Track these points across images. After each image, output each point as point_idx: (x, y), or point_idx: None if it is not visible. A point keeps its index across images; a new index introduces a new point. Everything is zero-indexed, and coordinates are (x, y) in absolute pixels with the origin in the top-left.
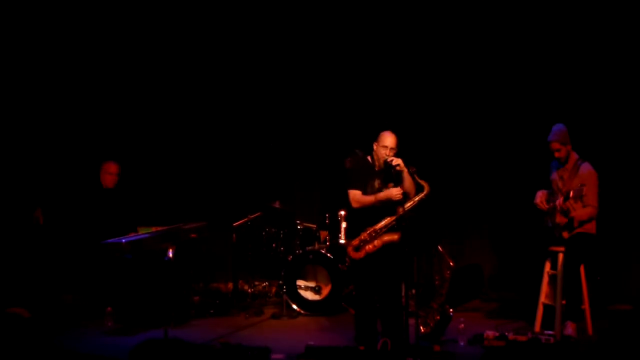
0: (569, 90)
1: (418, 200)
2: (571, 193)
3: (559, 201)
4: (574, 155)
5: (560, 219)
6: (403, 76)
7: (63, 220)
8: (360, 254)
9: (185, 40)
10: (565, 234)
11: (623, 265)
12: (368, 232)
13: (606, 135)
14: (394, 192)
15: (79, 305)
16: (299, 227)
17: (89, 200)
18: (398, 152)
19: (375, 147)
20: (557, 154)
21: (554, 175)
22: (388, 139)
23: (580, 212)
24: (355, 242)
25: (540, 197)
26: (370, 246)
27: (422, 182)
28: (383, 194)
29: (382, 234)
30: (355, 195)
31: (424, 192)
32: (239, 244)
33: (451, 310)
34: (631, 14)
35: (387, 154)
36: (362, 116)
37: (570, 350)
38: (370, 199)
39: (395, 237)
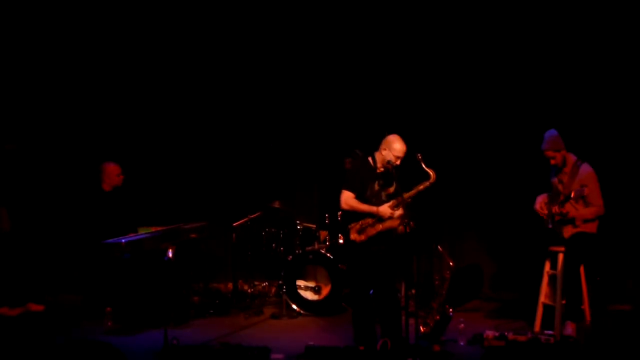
0: (567, 91)
1: (422, 189)
2: (572, 194)
3: (555, 208)
4: (572, 158)
5: (561, 217)
6: (403, 78)
7: (63, 222)
8: (362, 237)
9: (185, 40)
10: (566, 233)
11: (623, 265)
12: (368, 219)
13: (605, 135)
14: (386, 212)
15: (79, 305)
16: (298, 227)
17: (89, 201)
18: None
19: (383, 150)
20: (552, 162)
21: (554, 179)
22: (400, 148)
23: (582, 211)
24: (358, 225)
25: (539, 202)
26: (373, 230)
27: (429, 170)
28: (379, 210)
29: (385, 220)
30: (347, 197)
31: (429, 181)
32: (239, 244)
33: (451, 310)
34: (629, 14)
35: (396, 162)
36: (362, 117)
37: (570, 350)
38: (364, 207)
39: (395, 223)
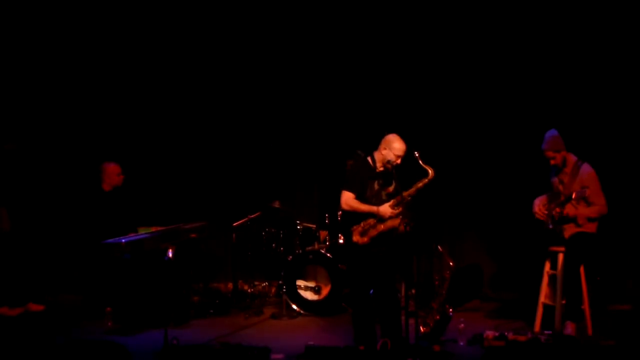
0: (567, 91)
1: (421, 186)
2: (573, 195)
3: (557, 210)
4: (572, 158)
5: (562, 217)
6: (403, 78)
7: (63, 222)
8: (365, 239)
9: (185, 40)
10: (567, 233)
11: (623, 265)
12: (369, 220)
13: (606, 135)
14: (387, 211)
15: (79, 305)
16: (298, 227)
17: (89, 201)
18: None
19: (383, 150)
20: (552, 162)
21: (555, 179)
22: (400, 147)
23: (585, 210)
24: (360, 228)
25: (537, 205)
26: (375, 231)
27: (427, 167)
28: (379, 210)
29: (386, 220)
30: (347, 197)
31: (428, 178)
32: (239, 244)
33: (451, 310)
34: (629, 14)
35: (397, 162)
36: (362, 117)
37: (570, 350)
38: (365, 207)
39: (397, 222)
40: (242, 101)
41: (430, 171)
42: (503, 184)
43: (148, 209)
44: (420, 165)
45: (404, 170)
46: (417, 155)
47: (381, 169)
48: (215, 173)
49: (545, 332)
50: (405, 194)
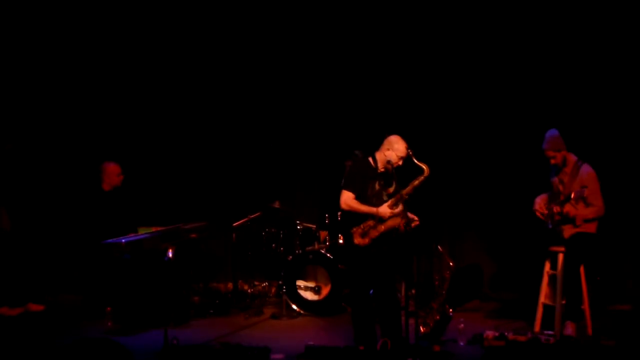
0: (567, 91)
1: (418, 184)
2: (572, 194)
3: (557, 208)
4: (572, 158)
5: (561, 217)
6: (403, 79)
7: (63, 222)
8: (366, 241)
9: (185, 40)
10: (566, 233)
11: (623, 265)
12: (369, 221)
13: (606, 135)
14: (386, 212)
15: (79, 305)
16: (298, 227)
17: (89, 201)
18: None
19: (386, 150)
20: (552, 161)
21: (555, 179)
22: (404, 148)
23: (583, 211)
24: (360, 229)
25: (538, 203)
26: (376, 232)
27: (421, 164)
28: (379, 211)
29: (386, 220)
30: (347, 197)
31: (424, 175)
32: (239, 244)
33: (451, 310)
34: (629, 14)
35: (399, 162)
36: (362, 117)
37: (570, 350)
38: (364, 208)
39: (397, 222)
40: (242, 101)
41: (425, 168)
42: (503, 184)
43: (148, 209)
44: (415, 163)
45: (400, 170)
46: (410, 153)
47: (382, 169)
48: (215, 173)
49: (546, 332)
50: (403, 192)
